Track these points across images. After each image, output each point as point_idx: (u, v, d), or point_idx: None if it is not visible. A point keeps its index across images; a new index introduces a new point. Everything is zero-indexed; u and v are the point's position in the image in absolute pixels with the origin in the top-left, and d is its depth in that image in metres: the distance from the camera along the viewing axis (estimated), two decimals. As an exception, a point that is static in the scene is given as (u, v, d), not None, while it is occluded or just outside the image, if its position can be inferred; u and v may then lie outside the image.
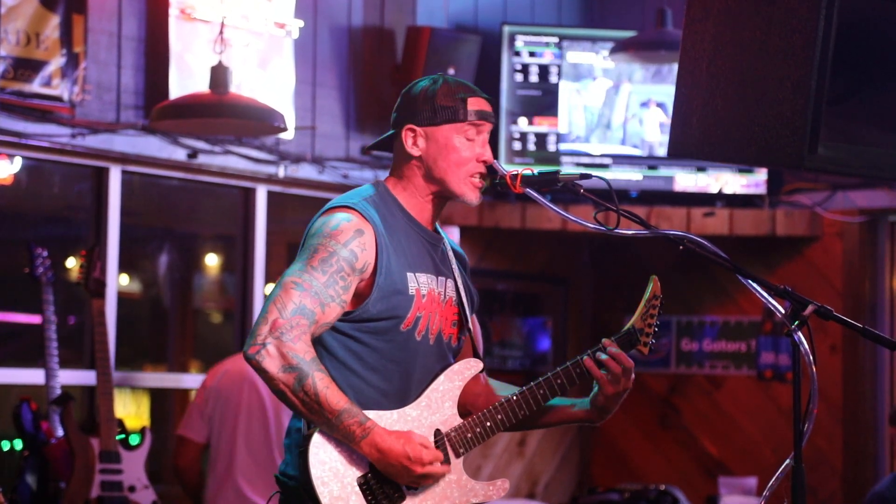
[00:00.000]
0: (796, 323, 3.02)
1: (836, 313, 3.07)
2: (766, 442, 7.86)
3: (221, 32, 6.03)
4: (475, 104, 3.29)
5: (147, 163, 6.43)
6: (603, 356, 3.28)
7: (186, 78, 6.30)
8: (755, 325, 7.94)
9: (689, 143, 3.41)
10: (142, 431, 5.95)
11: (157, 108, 5.91)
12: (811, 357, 3.00)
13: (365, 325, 3.19)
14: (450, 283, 3.35)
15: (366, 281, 3.19)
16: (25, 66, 5.84)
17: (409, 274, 3.24)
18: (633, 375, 3.30)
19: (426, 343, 3.26)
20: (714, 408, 8.06)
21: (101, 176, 6.37)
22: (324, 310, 3.12)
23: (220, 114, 5.78)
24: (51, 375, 5.70)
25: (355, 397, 3.15)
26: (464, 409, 3.33)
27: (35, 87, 5.88)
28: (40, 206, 6.62)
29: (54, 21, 5.93)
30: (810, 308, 3.03)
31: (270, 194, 6.98)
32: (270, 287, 6.86)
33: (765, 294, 3.10)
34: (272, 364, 3.06)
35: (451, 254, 3.40)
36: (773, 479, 3.10)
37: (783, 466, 3.03)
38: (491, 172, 3.30)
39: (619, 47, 7.09)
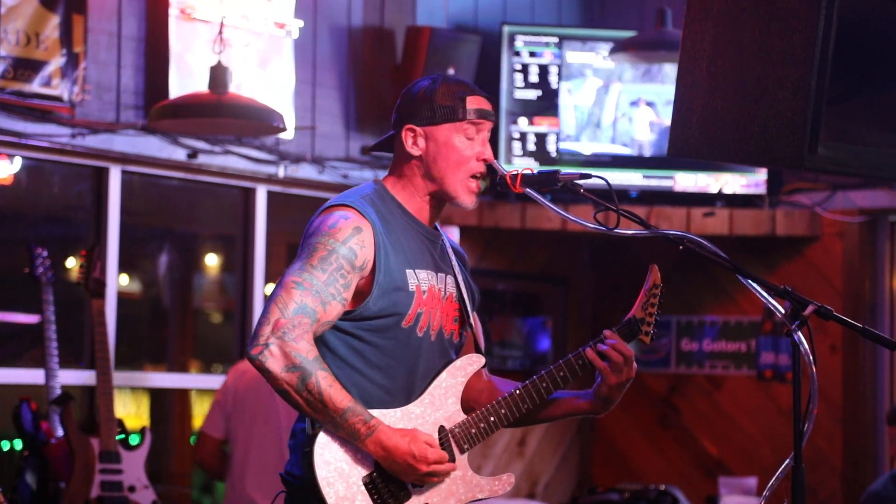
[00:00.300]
0: (796, 323, 3.01)
1: (836, 313, 3.06)
2: (766, 442, 7.86)
3: (221, 32, 6.03)
4: (474, 102, 3.29)
5: (147, 163, 6.43)
6: (604, 346, 3.28)
7: (186, 78, 6.30)
8: (755, 325, 7.94)
9: (689, 143, 3.41)
10: (142, 431, 5.95)
11: (156, 107, 5.91)
12: (811, 357, 3.00)
13: (366, 322, 3.20)
14: (450, 279, 3.35)
15: (366, 279, 3.19)
16: (25, 66, 5.84)
17: (408, 271, 3.24)
18: (635, 365, 3.30)
19: (428, 340, 3.27)
20: (714, 408, 8.07)
21: (101, 176, 6.37)
22: (325, 308, 3.12)
23: (220, 114, 5.78)
24: (51, 375, 5.70)
25: (359, 395, 3.15)
26: (467, 405, 3.33)
27: (35, 87, 5.88)
28: (40, 206, 6.62)
29: (54, 21, 5.93)
30: (810, 308, 3.02)
31: (270, 194, 6.98)
32: (270, 287, 6.87)
33: (765, 294, 3.10)
34: (275, 364, 3.06)
35: (450, 251, 3.40)
36: (773, 479, 3.10)
37: (783, 466, 3.03)
38: (491, 172, 3.30)
39: (619, 47, 7.09)
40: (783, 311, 3.06)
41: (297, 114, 6.84)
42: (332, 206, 3.24)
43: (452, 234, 7.28)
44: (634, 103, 7.69)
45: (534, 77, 7.60)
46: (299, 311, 3.08)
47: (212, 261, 7.60)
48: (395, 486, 3.17)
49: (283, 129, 5.99)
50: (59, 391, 5.69)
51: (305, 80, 6.93)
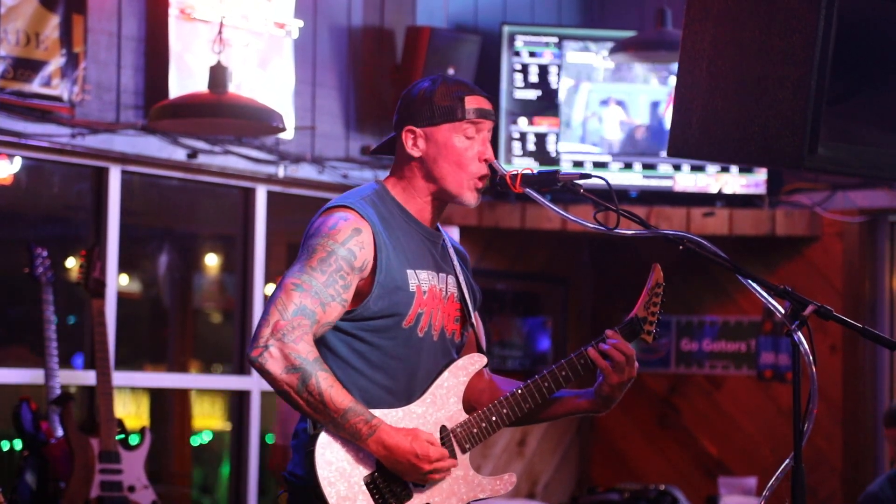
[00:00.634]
0: (796, 323, 3.01)
1: (836, 313, 3.06)
2: (765, 442, 7.86)
3: (221, 32, 6.03)
4: (473, 102, 3.29)
5: (147, 163, 6.43)
6: (606, 346, 3.29)
7: (186, 78, 6.30)
8: (755, 325, 7.94)
9: (688, 143, 3.41)
10: (141, 431, 5.95)
11: (155, 107, 5.91)
12: (811, 357, 3.00)
13: (367, 323, 3.20)
14: (451, 279, 3.35)
15: (366, 279, 3.19)
16: (25, 66, 5.84)
17: (409, 271, 3.24)
18: (636, 364, 3.30)
19: (429, 339, 3.27)
20: (714, 408, 8.06)
21: (101, 176, 6.37)
22: (325, 309, 3.12)
23: (220, 114, 5.78)
24: (50, 375, 5.70)
25: (361, 396, 3.16)
26: (468, 404, 3.33)
27: (35, 87, 5.88)
28: (40, 206, 6.62)
29: (54, 21, 5.93)
30: (810, 308, 3.02)
31: (270, 194, 6.98)
32: (271, 287, 6.87)
33: (765, 294, 3.10)
34: (275, 366, 3.07)
35: (451, 250, 3.40)
36: (773, 479, 3.09)
37: (783, 466, 3.03)
38: (491, 172, 3.30)
39: (619, 47, 7.08)
40: (783, 311, 3.05)
41: (297, 114, 6.84)
42: (332, 208, 3.24)
43: (452, 234, 7.28)
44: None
45: (534, 77, 7.60)
46: (298, 313, 3.08)
47: (212, 261, 7.60)
48: (396, 486, 3.18)
49: (283, 129, 5.99)
50: (58, 391, 5.69)
51: (305, 80, 6.93)
